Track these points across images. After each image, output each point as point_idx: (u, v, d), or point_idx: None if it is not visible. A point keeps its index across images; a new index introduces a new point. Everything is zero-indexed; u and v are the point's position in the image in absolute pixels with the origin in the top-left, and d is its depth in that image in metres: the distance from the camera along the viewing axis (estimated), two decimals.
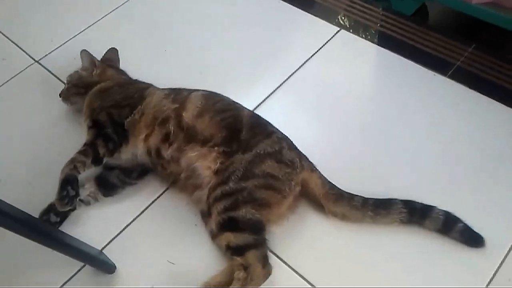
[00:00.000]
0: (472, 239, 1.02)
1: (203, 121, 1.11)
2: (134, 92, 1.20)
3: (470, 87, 1.30)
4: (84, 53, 1.30)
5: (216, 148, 1.07)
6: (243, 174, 1.03)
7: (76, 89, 1.27)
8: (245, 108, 1.18)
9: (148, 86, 1.24)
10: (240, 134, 1.09)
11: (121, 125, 1.14)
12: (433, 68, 1.35)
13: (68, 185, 1.06)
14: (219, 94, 1.20)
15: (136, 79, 1.31)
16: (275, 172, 1.04)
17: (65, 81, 1.32)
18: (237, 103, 1.19)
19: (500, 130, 1.22)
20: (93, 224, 1.12)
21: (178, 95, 1.17)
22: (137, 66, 1.39)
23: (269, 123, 1.16)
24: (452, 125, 1.24)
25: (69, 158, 1.10)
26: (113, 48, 1.36)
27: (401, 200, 1.05)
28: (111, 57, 1.35)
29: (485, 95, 1.28)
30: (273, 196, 1.04)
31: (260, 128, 1.12)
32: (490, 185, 1.13)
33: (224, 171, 1.04)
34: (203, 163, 1.07)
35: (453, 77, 1.32)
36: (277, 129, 1.14)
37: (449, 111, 1.27)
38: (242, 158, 1.05)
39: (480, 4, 1.37)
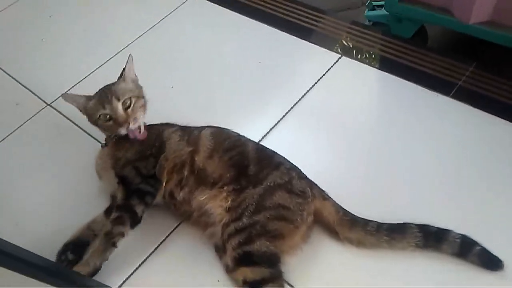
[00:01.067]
0: (490, 262, 1.02)
1: (213, 163, 1.12)
2: (154, 139, 1.19)
3: (474, 106, 1.31)
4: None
5: (225, 187, 1.09)
6: (255, 208, 1.04)
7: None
8: (251, 140, 1.20)
9: (162, 127, 1.23)
10: (248, 170, 1.10)
11: (152, 176, 1.14)
12: (436, 89, 1.37)
13: (69, 250, 1.10)
14: (225, 129, 1.22)
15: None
16: (287, 203, 1.06)
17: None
18: (243, 136, 1.21)
19: (507, 147, 1.23)
20: (107, 263, 1.11)
21: (191, 136, 1.18)
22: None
23: (276, 153, 1.17)
24: (459, 144, 1.25)
25: (96, 216, 1.12)
26: None
27: (416, 224, 1.05)
28: None
29: (490, 113, 1.29)
30: (286, 227, 1.05)
31: (267, 161, 1.13)
32: (502, 203, 1.13)
33: (237, 208, 1.06)
34: (214, 203, 1.09)
35: (456, 96, 1.34)
36: (285, 159, 1.16)
37: (455, 131, 1.28)
38: (253, 192, 1.07)
39: (477, 24, 1.40)
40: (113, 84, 1.20)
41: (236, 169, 1.11)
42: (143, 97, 1.21)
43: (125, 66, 1.21)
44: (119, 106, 1.14)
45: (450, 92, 1.36)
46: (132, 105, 1.15)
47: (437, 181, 1.19)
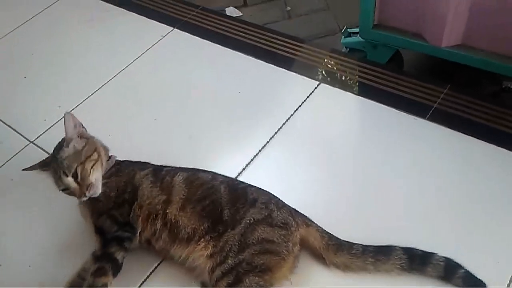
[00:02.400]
0: (474, 285, 1.02)
1: (185, 215, 1.10)
2: (125, 184, 1.16)
3: (450, 127, 1.35)
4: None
5: (202, 239, 1.07)
6: (239, 247, 1.04)
7: None
8: (223, 181, 1.17)
9: (133, 169, 1.19)
10: (223, 215, 1.09)
11: (128, 223, 1.13)
12: (413, 112, 1.41)
13: None
14: (198, 173, 1.19)
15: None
16: (270, 237, 1.05)
17: None
18: (216, 176, 1.19)
19: (483, 166, 1.26)
20: None
21: (164, 182, 1.15)
22: (129, 136, 1.44)
23: (249, 187, 1.16)
24: (437, 166, 1.28)
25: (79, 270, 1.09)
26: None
27: (401, 247, 1.06)
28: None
29: (465, 133, 1.33)
30: (273, 260, 1.04)
31: (241, 200, 1.11)
32: (483, 224, 1.15)
33: (220, 252, 1.05)
34: (194, 256, 1.08)
35: (432, 119, 1.38)
36: (259, 191, 1.15)
37: (433, 152, 1.31)
38: (234, 233, 1.06)
39: (449, 47, 1.45)
40: (60, 148, 1.13)
41: (210, 219, 1.09)
42: (94, 150, 1.14)
43: (65, 128, 1.12)
44: (70, 181, 1.09)
45: (426, 114, 1.39)
46: (79, 174, 1.09)
47: (419, 203, 1.21)
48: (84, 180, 1.10)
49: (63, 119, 1.11)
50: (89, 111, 1.58)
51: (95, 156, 1.14)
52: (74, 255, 1.17)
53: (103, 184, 1.14)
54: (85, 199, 1.11)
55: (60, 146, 1.14)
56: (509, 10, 1.30)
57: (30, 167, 1.18)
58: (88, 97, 1.63)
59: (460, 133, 1.33)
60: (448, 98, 1.43)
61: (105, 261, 1.08)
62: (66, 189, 1.11)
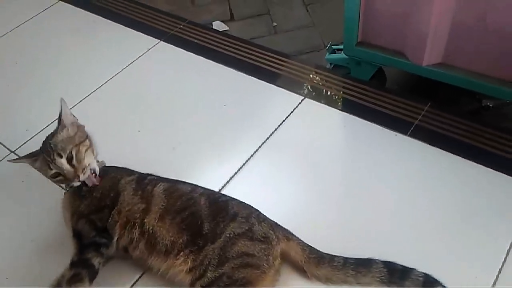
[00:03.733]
0: None
1: (163, 227, 1.10)
2: (109, 188, 1.17)
3: (430, 144, 1.37)
4: None
5: (181, 253, 1.07)
6: (218, 261, 1.03)
7: None
8: (204, 193, 1.17)
9: (119, 174, 1.21)
10: (203, 229, 1.09)
11: (105, 229, 1.12)
12: (394, 128, 1.43)
13: None
14: (179, 184, 1.20)
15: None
16: (250, 251, 1.05)
17: None
18: (197, 188, 1.19)
19: (462, 183, 1.28)
20: None
21: (145, 191, 1.16)
22: (112, 147, 1.43)
23: (230, 201, 1.16)
24: (417, 182, 1.30)
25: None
26: None
27: (382, 261, 1.07)
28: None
29: (445, 150, 1.35)
30: (253, 274, 1.04)
31: (222, 214, 1.11)
32: (458, 239, 1.17)
33: (199, 266, 1.04)
34: (174, 271, 1.07)
35: (413, 135, 1.40)
36: (240, 205, 1.15)
37: (413, 168, 1.33)
38: (213, 247, 1.05)
39: (430, 66, 1.49)
40: (51, 137, 1.15)
41: (189, 232, 1.09)
42: (86, 137, 1.16)
43: (61, 112, 1.15)
44: (64, 162, 1.10)
45: (407, 131, 1.42)
46: (74, 156, 1.11)
47: (399, 217, 1.22)
48: (79, 162, 1.12)
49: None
50: None
51: (87, 142, 1.15)
52: (56, 263, 1.14)
53: (91, 187, 1.15)
54: (77, 183, 1.12)
55: (53, 133, 1.15)
56: (488, 30, 1.34)
57: (17, 158, 1.18)
58: (72, 107, 1.61)
59: (440, 150, 1.35)
60: (429, 115, 1.46)
61: (81, 267, 1.07)
62: (58, 175, 1.11)
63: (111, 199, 1.15)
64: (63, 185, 1.21)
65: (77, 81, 1.73)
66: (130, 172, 1.23)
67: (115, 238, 1.12)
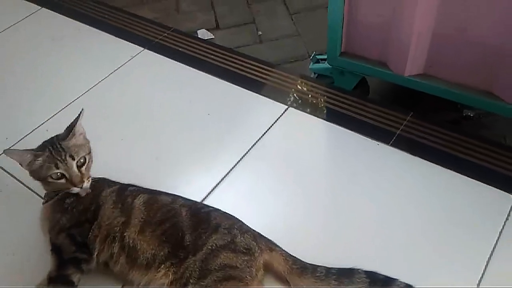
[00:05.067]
0: None
1: (144, 239, 1.09)
2: (90, 201, 1.15)
3: (412, 154, 1.39)
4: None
5: (162, 265, 1.06)
6: (200, 274, 1.02)
7: None
8: (185, 204, 1.16)
9: (101, 186, 1.19)
10: (184, 240, 1.07)
11: (85, 244, 1.11)
12: (377, 138, 1.44)
13: None
14: (159, 195, 1.18)
15: None
16: (233, 263, 1.04)
17: None
18: (178, 198, 1.18)
19: (443, 192, 1.29)
20: None
21: (125, 204, 1.15)
22: (95, 156, 1.41)
23: (212, 212, 1.15)
24: (399, 191, 1.31)
25: None
26: None
27: (364, 271, 1.08)
28: None
29: (426, 159, 1.37)
30: (236, 286, 1.03)
31: (204, 225, 1.10)
32: (439, 249, 1.18)
33: (180, 278, 1.03)
34: (154, 283, 1.06)
35: (395, 145, 1.42)
36: (223, 216, 1.14)
37: (395, 177, 1.34)
38: (195, 259, 1.04)
39: (412, 76, 1.51)
40: (61, 139, 1.14)
41: (170, 244, 1.07)
42: (90, 151, 1.18)
43: (76, 120, 1.16)
44: (74, 165, 1.11)
45: (389, 140, 1.43)
46: (86, 163, 1.13)
47: (382, 227, 1.23)
48: (86, 170, 1.14)
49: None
50: (54, 130, 1.53)
51: (92, 155, 1.17)
52: (35, 275, 1.12)
53: (73, 200, 1.14)
54: (76, 190, 1.12)
55: (62, 137, 1.15)
56: (468, 41, 1.37)
57: (15, 150, 1.14)
58: (54, 115, 1.60)
59: (421, 159, 1.37)
60: (410, 125, 1.48)
61: (60, 283, 1.05)
62: (61, 177, 1.10)
63: (92, 212, 1.13)
64: (49, 189, 1.17)
65: (59, 89, 1.71)
66: (111, 183, 1.21)
67: (95, 253, 1.10)
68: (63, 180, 1.11)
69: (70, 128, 1.16)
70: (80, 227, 1.12)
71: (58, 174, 1.10)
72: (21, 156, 1.13)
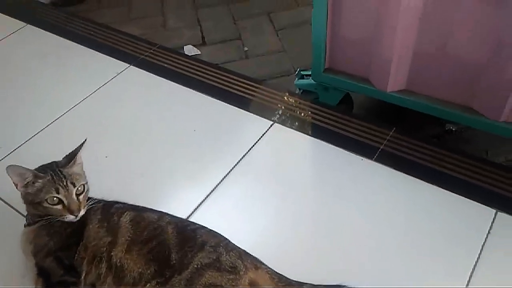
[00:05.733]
0: None
1: (131, 258, 1.08)
2: (77, 225, 1.13)
3: (395, 169, 1.40)
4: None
5: (148, 284, 1.04)
6: None
7: None
8: (171, 222, 1.15)
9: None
10: (170, 259, 1.07)
11: (72, 267, 1.09)
12: (361, 153, 1.46)
13: None
14: (145, 213, 1.18)
15: None
16: (218, 282, 1.03)
17: None
18: (164, 215, 1.17)
19: (426, 207, 1.31)
20: None
21: (110, 222, 1.14)
22: None
23: (198, 229, 1.15)
24: (382, 206, 1.32)
25: None
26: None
27: (350, 287, 1.07)
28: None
29: (409, 174, 1.38)
30: None
31: (190, 243, 1.10)
32: (423, 263, 1.19)
33: None
34: None
35: (379, 160, 1.43)
36: (209, 234, 1.14)
37: (378, 193, 1.35)
38: (180, 279, 1.03)
39: (394, 92, 1.53)
40: (62, 166, 1.14)
41: (157, 262, 1.06)
42: (87, 181, 1.19)
43: (78, 149, 1.17)
44: (74, 193, 1.11)
45: (373, 156, 1.45)
46: (84, 192, 1.14)
47: (366, 242, 1.24)
48: (84, 199, 1.14)
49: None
50: (39, 147, 1.54)
51: (88, 186, 1.17)
52: None
53: (61, 223, 1.12)
54: (70, 219, 1.11)
55: (61, 164, 1.15)
56: (448, 58, 1.39)
57: (20, 166, 1.10)
58: (38, 132, 1.59)
59: (404, 174, 1.38)
60: (393, 140, 1.50)
61: None
62: (58, 202, 1.10)
63: (77, 234, 1.12)
64: (36, 213, 1.15)
65: (44, 106, 1.71)
66: (97, 202, 1.20)
67: (83, 276, 1.09)
68: (59, 206, 1.10)
69: (72, 156, 1.16)
70: (67, 250, 1.10)
71: (55, 199, 1.09)
72: (22, 174, 1.10)
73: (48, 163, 1.17)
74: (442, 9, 1.32)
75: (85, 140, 1.19)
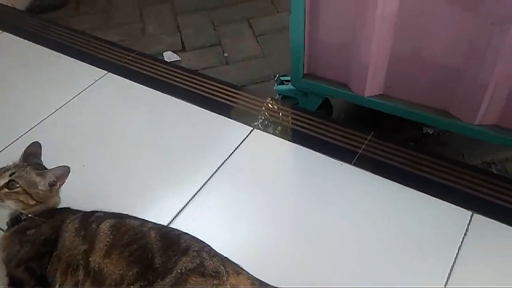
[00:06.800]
0: None
1: (110, 262, 1.06)
2: (51, 232, 1.12)
3: (374, 172, 1.41)
4: None
5: (131, 287, 1.03)
6: None
7: None
8: (154, 227, 1.15)
9: (64, 216, 1.17)
10: (154, 262, 1.05)
11: (44, 278, 1.07)
12: (340, 157, 1.47)
13: None
14: (126, 219, 1.17)
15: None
16: (202, 287, 1.02)
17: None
18: (147, 222, 1.17)
19: (405, 211, 1.32)
20: None
21: (88, 231, 1.12)
22: None
23: (182, 235, 1.14)
24: (362, 210, 1.33)
25: None
26: (36, 142, 1.34)
27: None
28: (34, 151, 1.32)
29: (387, 178, 1.39)
30: None
31: (173, 248, 1.08)
32: (403, 266, 1.20)
33: None
34: None
35: (358, 164, 1.44)
36: (192, 239, 1.14)
37: (357, 197, 1.36)
38: (163, 284, 1.02)
39: (371, 97, 1.55)
40: (31, 165, 1.21)
41: (139, 264, 1.05)
42: (32, 197, 1.18)
43: (59, 171, 1.21)
44: (2, 182, 1.15)
45: (352, 160, 1.46)
46: (12, 191, 1.14)
47: (346, 247, 1.24)
48: (7, 195, 1.15)
49: None
50: (15, 155, 1.50)
51: (26, 199, 1.16)
52: None
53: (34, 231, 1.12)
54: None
55: (36, 166, 1.23)
56: (423, 63, 1.42)
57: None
58: (14, 141, 1.56)
59: (382, 178, 1.40)
60: (372, 144, 1.51)
61: None
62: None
63: (52, 243, 1.10)
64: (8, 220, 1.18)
65: (20, 114, 1.68)
66: (76, 211, 1.19)
67: (57, 286, 1.06)
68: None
69: (44, 171, 1.21)
70: (39, 260, 1.08)
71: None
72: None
73: (33, 158, 1.26)
74: (416, 15, 1.35)
75: (68, 169, 1.22)
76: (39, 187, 1.18)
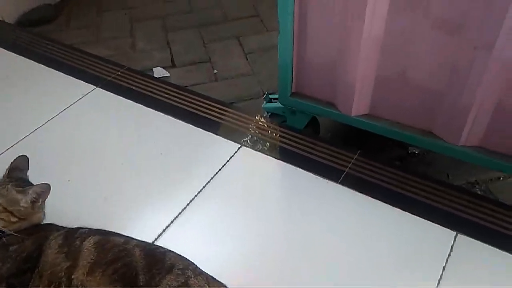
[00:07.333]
0: None
1: (94, 280, 1.04)
2: (34, 248, 1.10)
3: (360, 191, 1.42)
4: None
5: None
6: None
7: None
8: (139, 245, 1.14)
9: (47, 232, 1.15)
10: (138, 280, 1.04)
11: None
12: (327, 176, 1.48)
13: None
14: (111, 236, 1.15)
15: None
16: None
17: None
18: (131, 240, 1.16)
19: (388, 229, 1.33)
20: None
21: (71, 247, 1.10)
22: None
23: (167, 252, 1.13)
24: (347, 229, 1.33)
25: None
26: (23, 155, 1.34)
27: None
28: (20, 165, 1.31)
29: (373, 197, 1.41)
30: None
31: (158, 266, 1.07)
32: (387, 283, 1.20)
33: None
34: None
35: (344, 183, 1.46)
36: (177, 257, 1.12)
37: (343, 216, 1.37)
38: None
39: (358, 116, 1.57)
40: (14, 180, 1.21)
41: (123, 282, 1.03)
42: (14, 215, 1.17)
43: (37, 187, 1.21)
44: None
45: (338, 178, 1.47)
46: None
47: (332, 265, 1.24)
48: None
49: None
50: (0, 169, 1.50)
51: (8, 217, 1.16)
52: None
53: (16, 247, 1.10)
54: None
55: (19, 183, 1.22)
56: (408, 84, 1.44)
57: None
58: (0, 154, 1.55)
59: (368, 197, 1.41)
60: (358, 163, 1.53)
61: None
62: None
63: (35, 260, 1.08)
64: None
65: (7, 128, 1.66)
66: (60, 228, 1.18)
67: None
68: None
69: (27, 190, 1.20)
70: (21, 277, 1.06)
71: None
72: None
73: (19, 173, 1.27)
74: (401, 39, 1.38)
75: (49, 187, 1.22)
76: (21, 204, 1.17)
